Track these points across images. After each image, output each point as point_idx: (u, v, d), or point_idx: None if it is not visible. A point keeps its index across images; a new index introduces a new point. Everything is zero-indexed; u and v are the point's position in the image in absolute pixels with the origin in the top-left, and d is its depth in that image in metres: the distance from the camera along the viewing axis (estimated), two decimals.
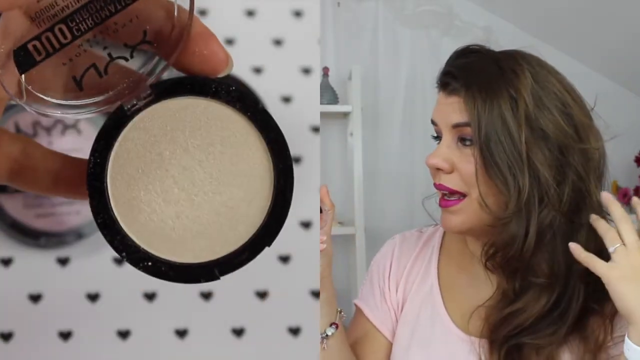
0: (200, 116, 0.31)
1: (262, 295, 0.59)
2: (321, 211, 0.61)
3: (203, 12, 0.62)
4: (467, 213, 0.63)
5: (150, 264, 0.30)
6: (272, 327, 0.59)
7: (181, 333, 0.58)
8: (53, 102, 0.30)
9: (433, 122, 0.68)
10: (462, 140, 0.63)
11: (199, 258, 0.31)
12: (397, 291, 0.74)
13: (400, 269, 0.75)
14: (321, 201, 0.60)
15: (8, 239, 0.57)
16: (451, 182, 0.64)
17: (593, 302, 0.61)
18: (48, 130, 0.58)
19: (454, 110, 0.63)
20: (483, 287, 0.67)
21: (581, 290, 0.61)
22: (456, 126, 0.63)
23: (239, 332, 0.59)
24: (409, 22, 1.87)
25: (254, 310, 0.59)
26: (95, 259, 0.58)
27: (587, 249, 0.58)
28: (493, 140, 0.60)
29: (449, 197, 0.65)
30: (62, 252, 0.57)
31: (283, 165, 0.31)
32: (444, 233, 0.76)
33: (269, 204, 0.31)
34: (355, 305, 0.77)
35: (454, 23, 1.85)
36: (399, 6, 1.87)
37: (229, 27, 0.62)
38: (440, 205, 0.66)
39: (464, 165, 0.62)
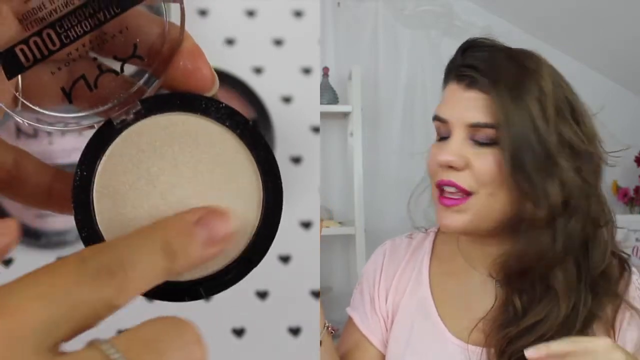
0: (189, 133, 0.30)
1: (262, 295, 0.59)
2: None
3: (203, 12, 0.62)
4: (473, 212, 0.60)
5: None
6: (272, 327, 0.59)
7: None
8: (44, 114, 0.29)
9: (439, 119, 0.62)
10: (476, 140, 0.60)
11: (183, 276, 0.30)
12: (386, 300, 0.72)
13: (389, 277, 0.73)
14: None
15: None
16: (463, 180, 0.60)
17: (596, 309, 0.59)
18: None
19: (475, 107, 0.59)
20: (479, 294, 0.65)
21: (588, 296, 0.59)
22: (475, 126, 0.59)
23: (239, 332, 0.59)
24: (409, 22, 1.87)
25: (254, 310, 0.59)
26: None
27: (591, 255, 0.59)
28: (524, 144, 0.57)
29: (451, 194, 0.61)
30: (63, 252, 0.57)
31: (273, 184, 0.30)
32: (435, 239, 0.74)
33: (257, 223, 0.30)
34: (348, 314, 0.76)
35: (454, 23, 1.85)
36: (399, 6, 1.87)
37: (229, 27, 0.62)
38: (442, 203, 0.61)
39: (481, 164, 0.59)
